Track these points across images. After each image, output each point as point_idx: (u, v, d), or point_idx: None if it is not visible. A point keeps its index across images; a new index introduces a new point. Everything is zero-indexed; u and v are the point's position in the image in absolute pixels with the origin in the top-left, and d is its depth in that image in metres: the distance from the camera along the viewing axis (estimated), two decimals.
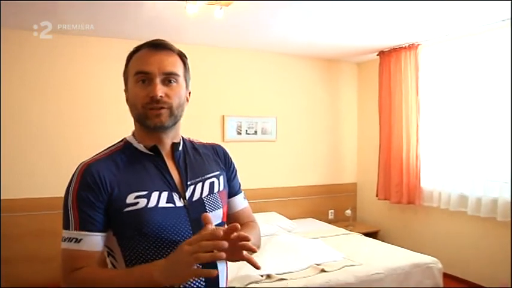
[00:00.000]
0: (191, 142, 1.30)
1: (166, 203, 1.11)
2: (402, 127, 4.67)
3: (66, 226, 1.06)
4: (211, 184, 1.21)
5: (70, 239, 1.04)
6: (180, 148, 1.22)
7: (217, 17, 3.11)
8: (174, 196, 1.13)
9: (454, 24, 3.85)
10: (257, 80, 4.99)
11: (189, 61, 1.22)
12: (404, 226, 4.90)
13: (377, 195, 5.02)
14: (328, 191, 5.42)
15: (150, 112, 1.09)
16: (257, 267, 0.98)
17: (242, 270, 2.96)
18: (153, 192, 1.10)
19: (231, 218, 1.32)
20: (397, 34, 4.26)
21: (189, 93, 1.23)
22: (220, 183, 1.24)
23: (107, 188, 1.07)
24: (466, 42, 4.11)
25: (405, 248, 3.89)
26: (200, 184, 1.19)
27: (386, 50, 4.87)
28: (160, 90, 1.08)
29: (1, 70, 3.82)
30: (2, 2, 3.05)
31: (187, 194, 1.15)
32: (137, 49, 1.16)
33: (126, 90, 1.17)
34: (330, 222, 5.13)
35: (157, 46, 1.13)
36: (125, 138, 1.21)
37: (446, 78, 4.34)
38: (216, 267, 1.12)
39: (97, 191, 1.06)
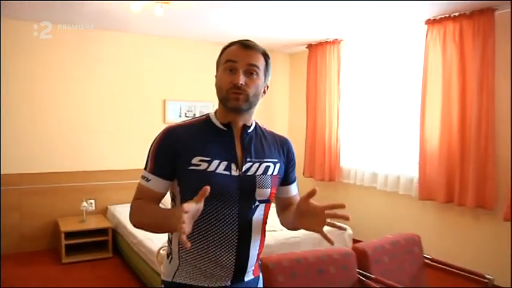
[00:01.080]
0: (263, 129, 1.50)
1: (224, 170, 1.33)
2: (325, 113, 5.26)
3: (145, 167, 1.38)
4: (267, 167, 1.41)
5: (143, 177, 1.37)
6: (250, 130, 1.42)
7: (157, 14, 3.43)
8: (232, 166, 1.35)
9: (370, 24, 4.47)
10: (196, 67, 5.34)
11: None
12: (327, 200, 5.46)
13: (303, 174, 5.61)
14: None
15: (231, 95, 1.31)
16: (331, 243, 1.28)
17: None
18: (215, 159, 1.33)
19: (286, 201, 1.56)
20: (323, 30, 4.80)
21: (267, 87, 1.43)
22: (275, 169, 1.44)
23: (178, 148, 1.34)
24: (380, 39, 4.75)
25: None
26: (257, 164, 1.39)
27: (314, 43, 5.41)
28: (241, 79, 1.31)
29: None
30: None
31: (244, 168, 1.37)
32: (230, 45, 1.38)
33: (216, 76, 1.39)
34: None
35: (246, 45, 1.35)
36: (208, 114, 1.45)
37: (363, 70, 4.98)
38: (249, 236, 1.42)
39: (170, 149, 1.34)
